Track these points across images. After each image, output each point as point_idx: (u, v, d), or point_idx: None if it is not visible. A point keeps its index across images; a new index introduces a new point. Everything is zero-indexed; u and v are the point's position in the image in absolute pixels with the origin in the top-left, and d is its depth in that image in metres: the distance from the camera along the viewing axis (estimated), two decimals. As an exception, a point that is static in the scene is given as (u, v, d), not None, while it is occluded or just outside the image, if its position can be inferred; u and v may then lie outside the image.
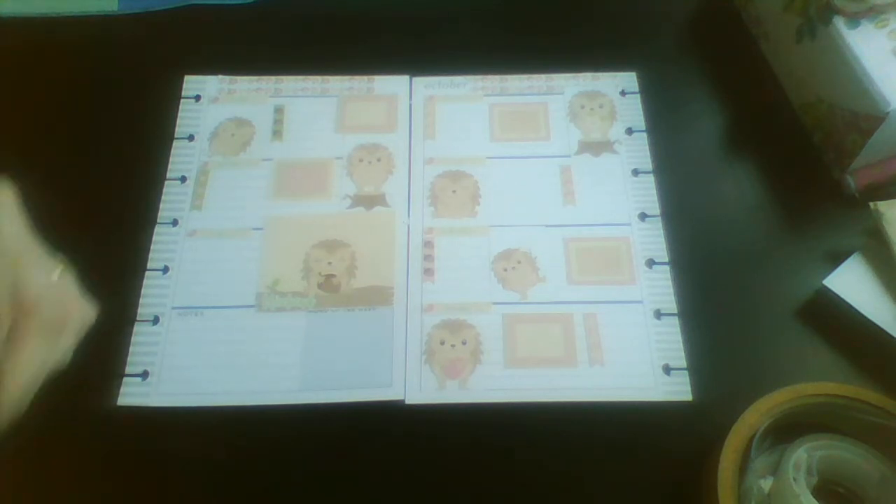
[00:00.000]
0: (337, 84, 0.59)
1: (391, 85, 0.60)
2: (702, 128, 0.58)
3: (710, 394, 0.46)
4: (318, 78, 0.60)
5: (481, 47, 0.62)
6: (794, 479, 0.38)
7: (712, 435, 0.41)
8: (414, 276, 0.51)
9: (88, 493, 0.43)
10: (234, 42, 0.62)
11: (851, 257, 0.48)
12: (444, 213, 0.54)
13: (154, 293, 0.50)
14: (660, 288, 0.50)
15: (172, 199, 0.54)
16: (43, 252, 0.30)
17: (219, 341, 0.48)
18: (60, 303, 0.30)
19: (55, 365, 0.29)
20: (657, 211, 0.53)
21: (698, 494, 0.41)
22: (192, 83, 0.59)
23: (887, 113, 0.47)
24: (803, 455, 0.39)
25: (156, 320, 0.49)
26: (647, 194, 0.54)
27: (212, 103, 0.58)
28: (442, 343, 0.48)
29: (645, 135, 0.57)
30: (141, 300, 0.49)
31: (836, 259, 0.49)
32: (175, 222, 0.53)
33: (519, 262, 0.51)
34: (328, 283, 0.50)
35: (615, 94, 0.59)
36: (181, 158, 0.55)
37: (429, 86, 0.60)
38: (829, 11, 0.50)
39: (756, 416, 0.40)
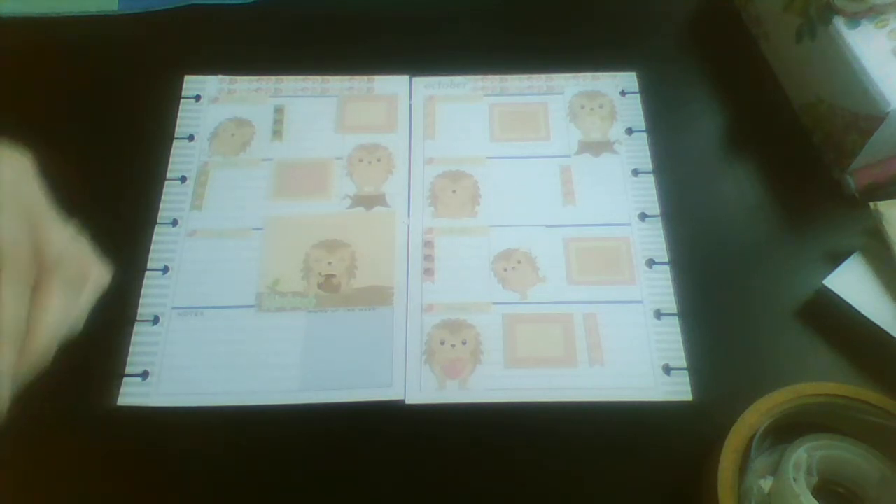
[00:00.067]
0: (337, 84, 0.59)
1: (391, 85, 0.60)
2: (702, 128, 0.58)
3: (710, 394, 0.46)
4: (318, 78, 0.60)
5: (481, 47, 0.62)
6: (794, 479, 0.38)
7: (712, 435, 0.41)
8: (414, 276, 0.51)
9: (88, 493, 0.43)
10: (234, 42, 0.62)
11: (851, 257, 0.48)
12: (444, 213, 0.54)
13: (154, 293, 0.50)
14: (660, 288, 0.50)
15: (172, 199, 0.54)
16: (58, 215, 0.31)
17: (219, 341, 0.48)
18: (79, 262, 0.31)
19: (73, 323, 0.30)
20: (657, 211, 0.53)
21: (698, 494, 0.41)
22: (192, 83, 0.59)
23: (887, 113, 0.47)
24: (803, 455, 0.39)
25: (156, 320, 0.49)
26: (647, 194, 0.54)
27: (212, 103, 0.58)
28: (442, 343, 0.48)
29: (645, 135, 0.57)
30: (141, 300, 0.49)
31: (836, 259, 0.49)
32: (175, 222, 0.53)
33: (519, 262, 0.51)
34: (328, 283, 0.50)
35: (615, 94, 0.59)
36: (181, 158, 0.55)
37: (429, 86, 0.60)
38: (829, 11, 0.50)
39: (756, 416, 0.40)
